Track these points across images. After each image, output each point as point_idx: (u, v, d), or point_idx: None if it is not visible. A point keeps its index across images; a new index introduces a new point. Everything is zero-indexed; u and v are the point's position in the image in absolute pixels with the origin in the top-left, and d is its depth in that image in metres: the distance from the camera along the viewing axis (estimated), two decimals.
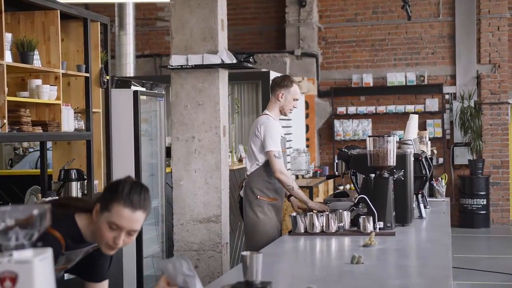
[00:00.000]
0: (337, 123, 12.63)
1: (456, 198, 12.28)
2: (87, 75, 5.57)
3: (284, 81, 5.19)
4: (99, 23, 5.86)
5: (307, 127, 12.12)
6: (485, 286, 7.90)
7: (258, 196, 5.07)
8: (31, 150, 8.40)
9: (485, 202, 11.95)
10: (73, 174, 5.41)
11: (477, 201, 11.93)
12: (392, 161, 4.32)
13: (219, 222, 5.51)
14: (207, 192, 5.49)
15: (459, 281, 7.77)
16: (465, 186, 12.05)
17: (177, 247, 5.54)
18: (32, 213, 1.76)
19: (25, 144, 8.60)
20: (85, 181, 5.58)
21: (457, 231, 11.53)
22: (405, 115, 11.21)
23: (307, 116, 12.09)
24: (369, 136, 4.39)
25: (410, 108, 12.27)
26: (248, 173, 5.17)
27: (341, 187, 10.28)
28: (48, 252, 1.79)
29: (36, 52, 4.92)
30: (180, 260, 2.36)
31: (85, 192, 5.58)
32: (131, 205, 2.52)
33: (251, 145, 5.14)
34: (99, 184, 5.84)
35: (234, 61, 5.45)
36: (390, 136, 4.37)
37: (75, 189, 5.40)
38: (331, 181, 10.62)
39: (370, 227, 4.10)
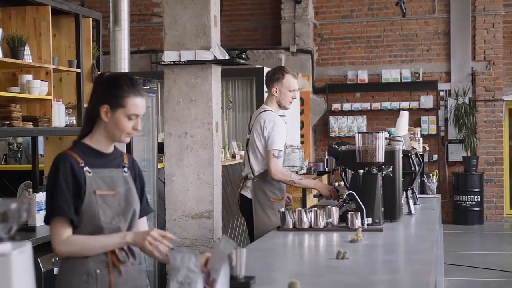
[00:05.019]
0: (332, 119, 12.64)
1: (450, 195, 12.31)
2: (79, 70, 5.58)
3: (275, 74, 5.06)
4: (91, 18, 5.87)
5: (302, 123, 12.14)
6: (477, 282, 7.92)
7: (271, 199, 4.99)
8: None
9: (479, 199, 11.98)
10: None
11: (471, 198, 11.96)
12: (380, 157, 4.33)
13: (211, 218, 5.51)
14: (199, 188, 5.48)
15: (451, 277, 7.80)
16: (459, 183, 12.07)
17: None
18: (10, 207, 1.78)
19: (20, 139, 8.61)
20: None
21: (451, 228, 11.57)
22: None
23: (302, 112, 12.11)
24: (358, 133, 4.40)
25: (405, 104, 12.28)
26: (256, 173, 5.02)
27: (336, 183, 10.27)
28: (27, 246, 1.80)
29: (26, 48, 4.93)
30: (190, 254, 2.37)
31: None
32: (139, 94, 2.84)
33: (256, 144, 5.01)
34: None
35: (227, 57, 5.43)
36: (379, 132, 4.38)
37: None
38: (326, 177, 10.63)
39: (358, 223, 4.12)
